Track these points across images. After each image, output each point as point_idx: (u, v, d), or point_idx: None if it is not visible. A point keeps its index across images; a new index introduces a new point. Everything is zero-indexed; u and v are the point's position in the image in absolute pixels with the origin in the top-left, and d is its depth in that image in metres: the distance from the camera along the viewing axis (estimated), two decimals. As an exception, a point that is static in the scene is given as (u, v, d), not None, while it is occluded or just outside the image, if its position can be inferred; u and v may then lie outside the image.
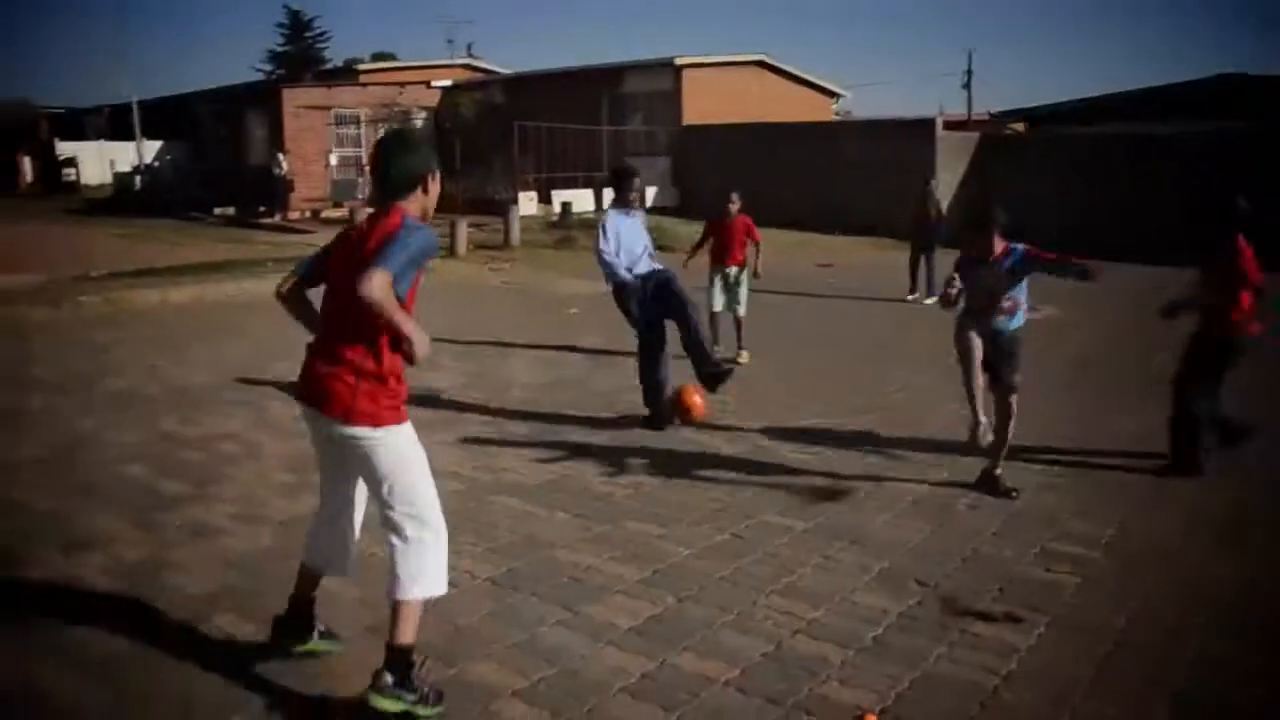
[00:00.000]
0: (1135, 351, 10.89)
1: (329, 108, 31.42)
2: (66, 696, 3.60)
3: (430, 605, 4.25)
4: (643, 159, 29.51)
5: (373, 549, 4.17)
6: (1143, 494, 6.02)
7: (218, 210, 29.01)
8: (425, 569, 3.47)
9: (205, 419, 7.49)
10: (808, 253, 22.37)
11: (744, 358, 9.76)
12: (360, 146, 31.92)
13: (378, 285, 3.11)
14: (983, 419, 5.74)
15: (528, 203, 25.33)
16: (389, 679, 3.35)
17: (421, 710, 3.38)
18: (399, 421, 3.47)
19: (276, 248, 19.50)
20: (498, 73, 38.14)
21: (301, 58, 55.27)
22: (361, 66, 41.70)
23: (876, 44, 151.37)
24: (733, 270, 10.18)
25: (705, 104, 30.51)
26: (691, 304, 7.63)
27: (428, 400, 8.02)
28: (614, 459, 6.58)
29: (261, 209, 28.17)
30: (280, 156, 29.16)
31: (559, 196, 25.74)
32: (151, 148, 36.26)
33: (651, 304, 7.62)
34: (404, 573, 3.45)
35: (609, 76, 31.34)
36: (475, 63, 40.72)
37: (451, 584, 4.47)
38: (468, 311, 13.24)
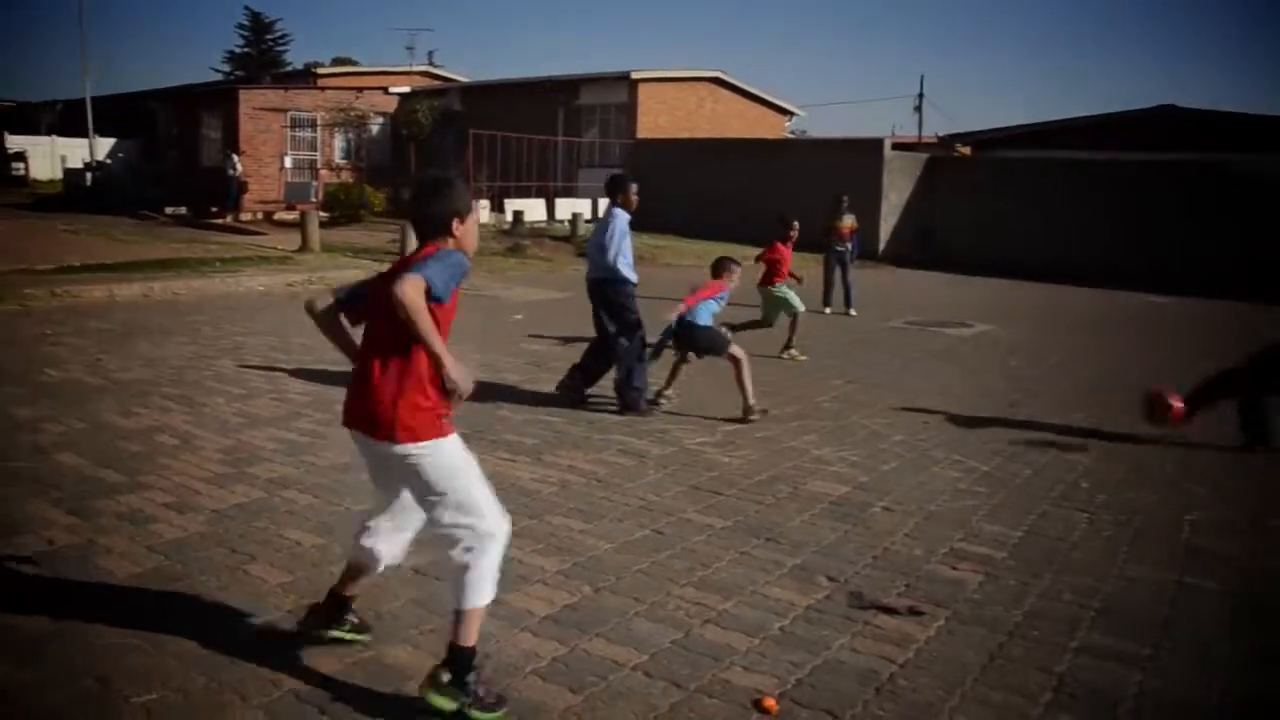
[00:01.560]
0: (1066, 369, 11.23)
1: (285, 110, 31.39)
2: (-9, 672, 3.68)
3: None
4: (596, 170, 29.73)
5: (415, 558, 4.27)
6: (1052, 499, 6.26)
7: (169, 209, 28.83)
8: (485, 577, 3.47)
9: (145, 412, 7.55)
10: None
11: (800, 355, 11.08)
12: (315, 150, 31.91)
13: (410, 287, 3.17)
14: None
15: (480, 211, 25.42)
16: (446, 676, 3.43)
17: (477, 713, 3.43)
18: (442, 434, 3.50)
19: (227, 248, 19.47)
20: (456, 81, 38.30)
21: (260, 60, 55.02)
22: (320, 70, 41.62)
23: (834, 65, 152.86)
24: (789, 283, 11.62)
25: (660, 118, 30.86)
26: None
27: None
28: (545, 459, 6.73)
29: (214, 209, 28.05)
30: (234, 157, 29.09)
31: (512, 205, 25.88)
32: (104, 145, 35.99)
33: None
34: (467, 581, 3.44)
35: (565, 88, 31.58)
36: (434, 70, 40.85)
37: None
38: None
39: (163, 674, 3.66)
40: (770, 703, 3.64)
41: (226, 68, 55.80)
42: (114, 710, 3.45)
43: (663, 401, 8.36)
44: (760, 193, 26.42)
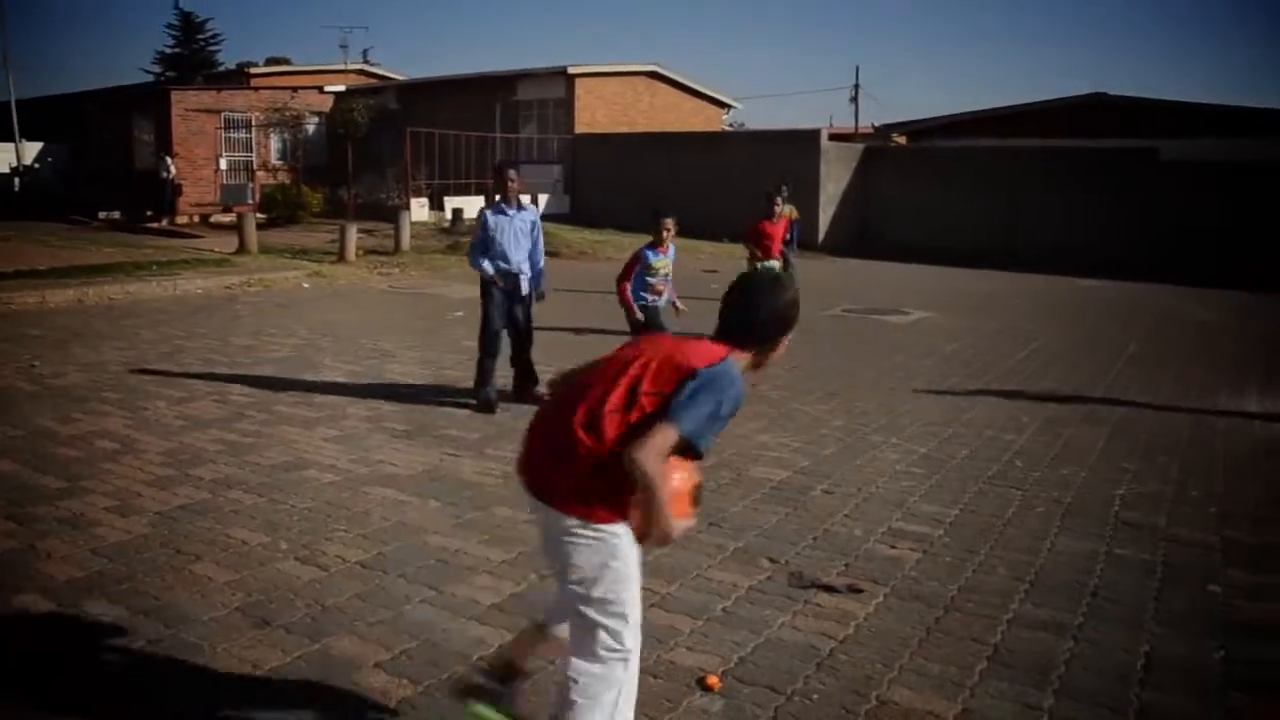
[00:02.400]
0: (1003, 351, 11.46)
1: (219, 111, 30.97)
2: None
3: (299, 588, 4.44)
4: (536, 167, 29.70)
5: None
6: (988, 478, 6.41)
7: (102, 214, 28.35)
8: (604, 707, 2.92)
9: (83, 417, 7.47)
10: (694, 259, 22.77)
11: None
12: (251, 151, 31.53)
13: (655, 452, 2.66)
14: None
15: (419, 209, 25.36)
16: None
17: None
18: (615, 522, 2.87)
19: (162, 251, 19.20)
20: (391, 78, 37.98)
21: (192, 60, 54.16)
22: (254, 70, 41.07)
23: (769, 58, 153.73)
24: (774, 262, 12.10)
25: (598, 113, 30.87)
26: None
27: (307, 398, 8.12)
28: (488, 452, 6.77)
29: (149, 213, 27.64)
30: (168, 160, 28.68)
31: (451, 203, 25.79)
32: (32, 149, 35.23)
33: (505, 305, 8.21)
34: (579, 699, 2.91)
35: (502, 84, 31.48)
36: (369, 69, 40.47)
37: (321, 568, 4.67)
38: (353, 314, 13.28)
39: (106, 675, 3.67)
40: (713, 680, 3.73)
41: (158, 69, 54.79)
42: (55, 715, 3.44)
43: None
44: (699, 185, 26.58)
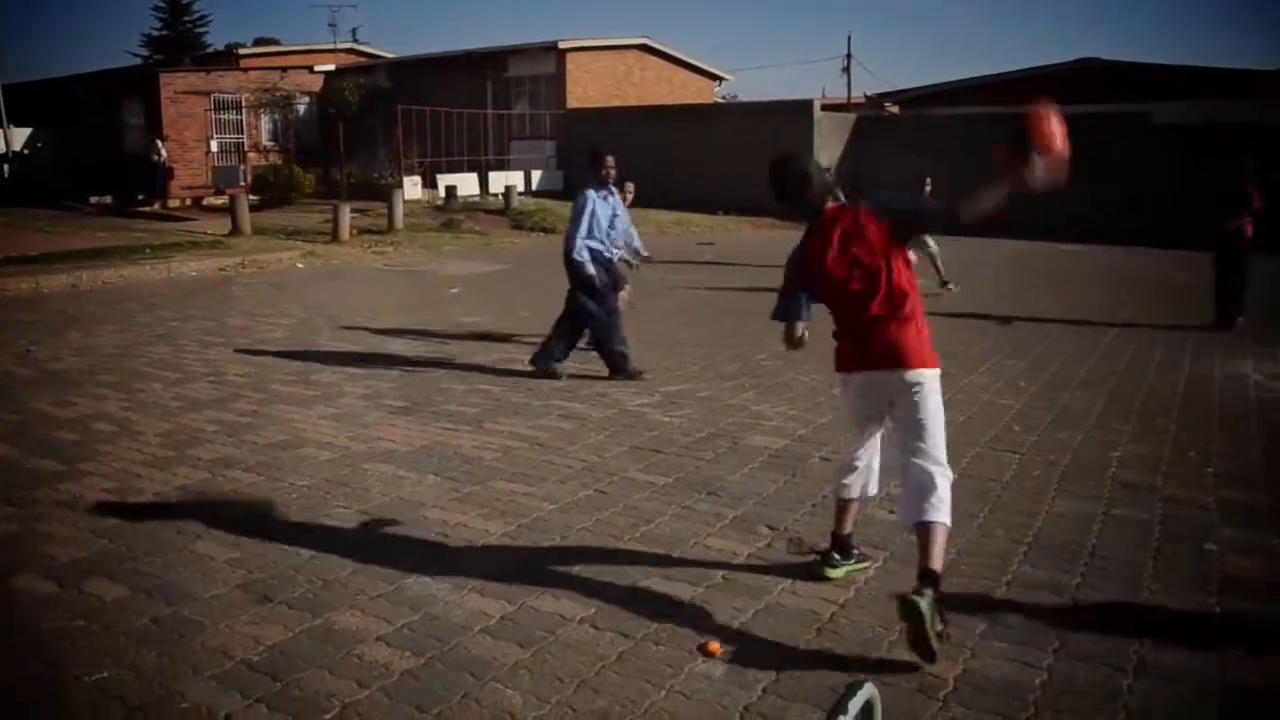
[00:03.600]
0: (989, 315, 11.46)
1: (209, 93, 30.80)
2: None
3: (300, 564, 4.46)
4: (527, 142, 29.64)
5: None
6: (985, 443, 6.43)
7: (94, 199, 28.22)
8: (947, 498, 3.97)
9: (80, 400, 7.47)
10: (689, 231, 22.78)
11: None
12: (241, 133, 31.38)
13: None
14: None
15: (412, 187, 25.26)
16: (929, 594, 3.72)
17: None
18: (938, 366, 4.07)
19: (155, 235, 19.14)
20: (382, 57, 37.76)
21: (179, 42, 53.84)
22: (242, 51, 40.83)
23: (761, 29, 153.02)
24: None
25: (589, 88, 30.77)
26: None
27: (307, 376, 8.13)
28: (486, 426, 6.78)
29: (140, 197, 27.54)
30: (158, 143, 28.56)
31: (444, 181, 25.71)
32: (21, 134, 35.06)
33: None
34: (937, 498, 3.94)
35: (493, 60, 31.32)
36: (359, 47, 40.22)
37: (321, 545, 4.68)
38: (348, 293, 13.27)
39: (114, 653, 3.68)
40: (714, 646, 3.75)
41: (145, 51, 54.48)
42: (67, 690, 3.46)
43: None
44: (693, 158, 26.53)
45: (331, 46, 38.99)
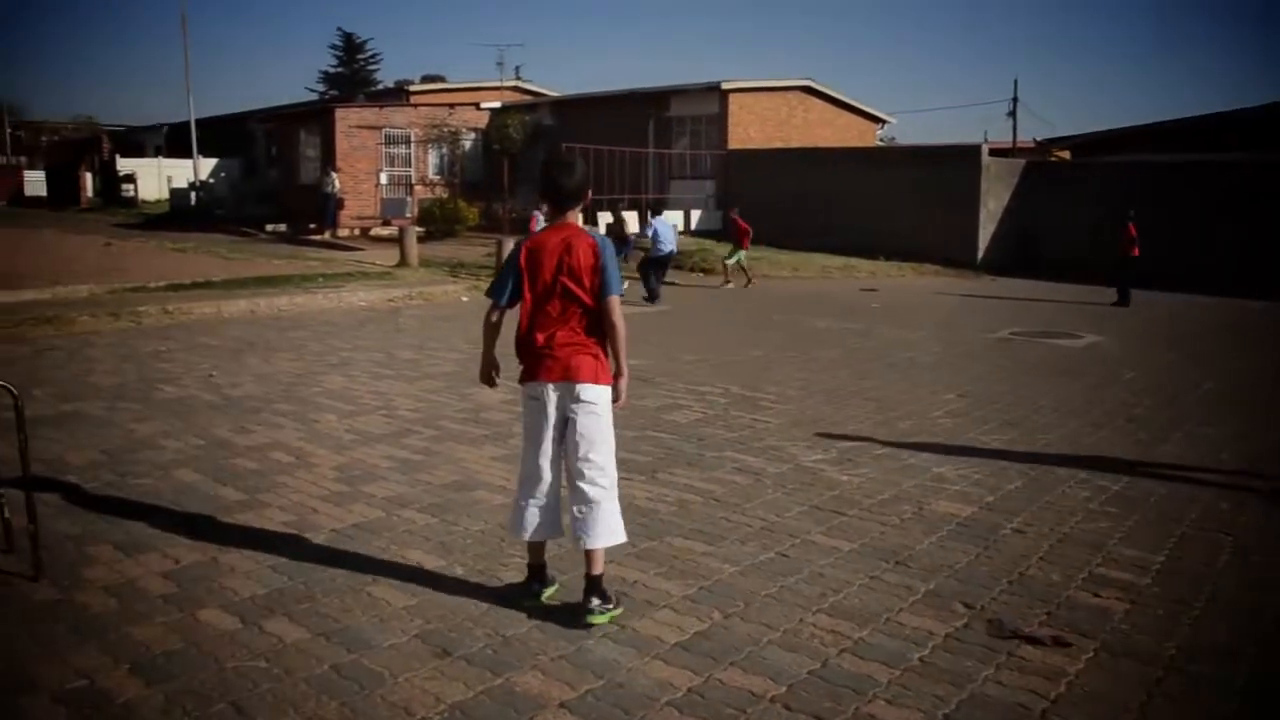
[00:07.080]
0: (1188, 380, 10.82)
1: (380, 127, 31.83)
2: (130, 694, 3.65)
3: (477, 616, 4.35)
4: (688, 182, 29.68)
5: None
6: (1191, 521, 5.96)
7: (269, 226, 29.44)
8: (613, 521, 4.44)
9: (259, 428, 7.60)
10: (852, 275, 22.39)
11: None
12: (410, 166, 32.30)
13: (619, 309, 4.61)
14: None
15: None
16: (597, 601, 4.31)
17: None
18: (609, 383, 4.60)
19: (326, 264, 19.76)
20: (545, 95, 38.48)
21: (353, 79, 56.03)
22: (412, 88, 42.17)
23: (922, 73, 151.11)
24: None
25: (750, 129, 30.68)
26: None
27: (477, 415, 8.11)
28: (659, 477, 6.61)
29: (312, 226, 28.54)
30: (332, 175, 29.58)
31: (604, 218, 25.89)
32: (207, 165, 36.91)
33: None
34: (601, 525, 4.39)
35: (655, 100, 31.52)
36: (523, 85, 41.12)
37: (497, 595, 4.57)
38: (513, 328, 13.33)
39: (295, 700, 3.61)
40: (919, 740, 3.47)
41: (321, 87, 56.93)
42: (249, 738, 3.40)
43: None
44: (855, 202, 26.11)
45: (497, 84, 39.97)
